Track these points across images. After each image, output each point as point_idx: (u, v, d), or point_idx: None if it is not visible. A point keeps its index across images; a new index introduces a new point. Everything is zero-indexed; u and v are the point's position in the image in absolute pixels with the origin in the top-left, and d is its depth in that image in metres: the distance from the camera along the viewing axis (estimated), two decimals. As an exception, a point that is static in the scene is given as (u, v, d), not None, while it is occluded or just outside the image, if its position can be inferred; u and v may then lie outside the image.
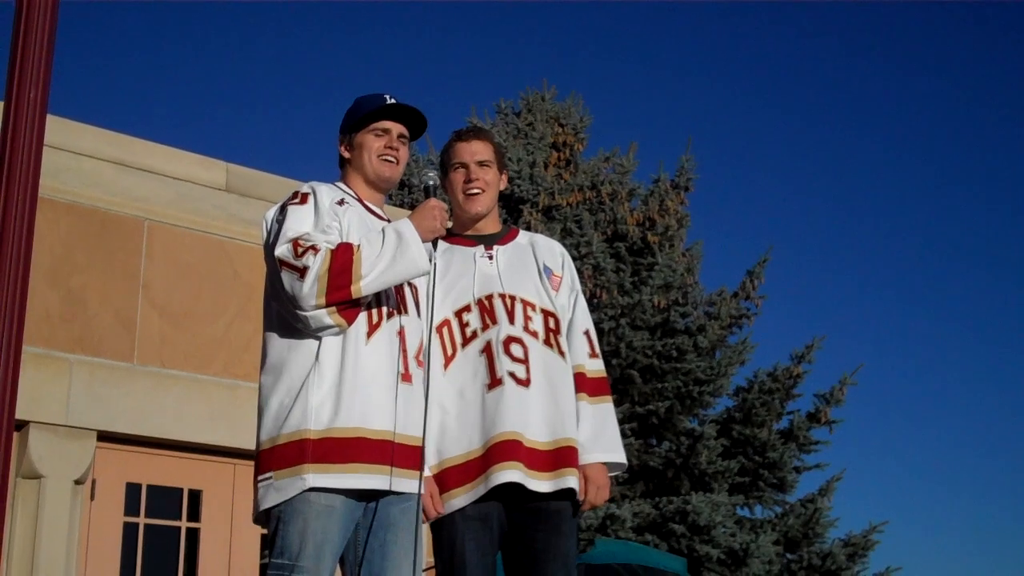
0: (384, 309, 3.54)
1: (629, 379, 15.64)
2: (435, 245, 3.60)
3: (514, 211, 17.00)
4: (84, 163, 7.49)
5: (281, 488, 3.38)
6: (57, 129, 7.03)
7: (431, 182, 3.76)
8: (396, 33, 32.04)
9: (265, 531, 7.68)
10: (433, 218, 3.56)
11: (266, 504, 3.42)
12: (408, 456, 3.51)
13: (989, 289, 29.17)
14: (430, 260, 3.57)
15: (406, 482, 3.50)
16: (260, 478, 3.45)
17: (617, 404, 15.27)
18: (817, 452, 16.47)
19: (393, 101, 3.75)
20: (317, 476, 3.35)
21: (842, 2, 27.68)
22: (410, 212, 3.62)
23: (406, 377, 3.54)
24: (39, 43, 3.20)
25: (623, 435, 16.04)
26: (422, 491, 3.57)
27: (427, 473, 3.69)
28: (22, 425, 6.81)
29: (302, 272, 3.36)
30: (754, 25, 29.87)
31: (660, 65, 30.36)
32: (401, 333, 3.57)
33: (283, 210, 3.57)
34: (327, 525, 3.37)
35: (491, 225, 4.09)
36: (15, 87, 3.17)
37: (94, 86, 32.20)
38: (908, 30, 29.64)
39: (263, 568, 7.87)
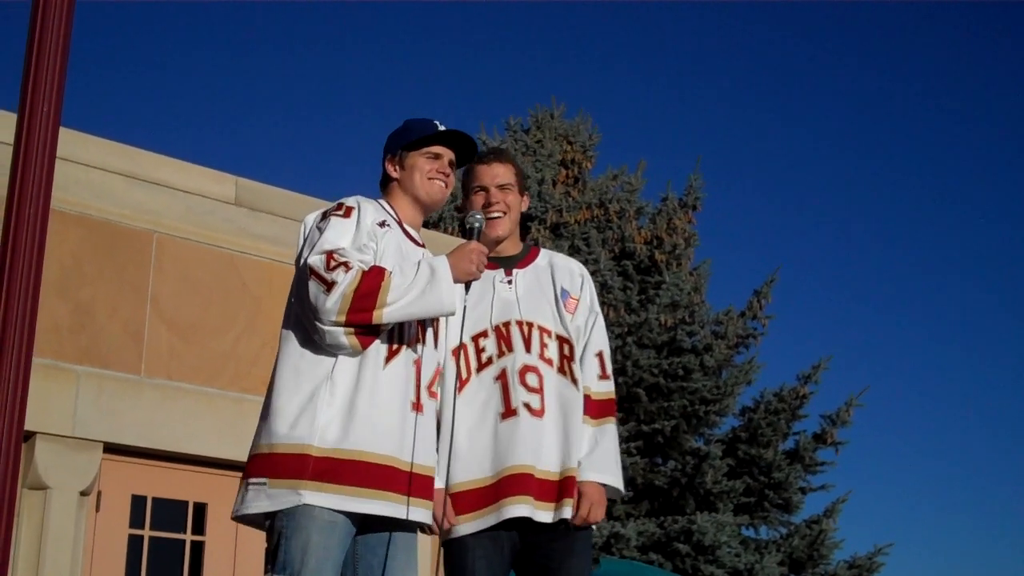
0: (405, 337, 3.56)
1: (635, 397, 15.64)
2: (467, 288, 3.62)
3: (522, 228, 16.98)
4: (94, 175, 7.51)
5: (273, 496, 3.38)
6: (67, 141, 7.05)
7: (477, 224, 3.79)
8: (406, 49, 32.14)
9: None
10: (471, 262, 3.59)
11: (252, 509, 3.42)
12: (424, 486, 3.54)
13: (997, 311, 29.13)
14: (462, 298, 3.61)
15: (423, 512, 3.53)
16: (252, 480, 3.44)
17: (623, 422, 15.31)
18: (823, 473, 16.48)
19: (443, 128, 3.79)
20: (314, 494, 3.35)
21: (852, 23, 27.72)
22: (450, 250, 3.63)
23: (417, 407, 3.55)
24: (52, 57, 3.22)
25: (628, 453, 16.02)
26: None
27: (438, 484, 3.70)
28: (29, 436, 6.81)
29: (329, 286, 3.37)
30: (764, 45, 29.92)
31: (669, 84, 30.41)
32: (417, 363, 3.58)
33: (325, 218, 3.58)
34: (329, 541, 3.37)
35: (511, 247, 4.12)
36: (28, 101, 3.19)
37: (104, 98, 32.33)
38: (922, 51, 29.68)
39: (267, 582, 7.86)
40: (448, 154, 3.82)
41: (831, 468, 16.43)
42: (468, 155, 3.91)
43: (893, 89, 30.06)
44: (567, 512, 3.78)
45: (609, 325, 15.61)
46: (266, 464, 3.42)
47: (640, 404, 15.70)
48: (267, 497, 3.39)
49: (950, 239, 29.76)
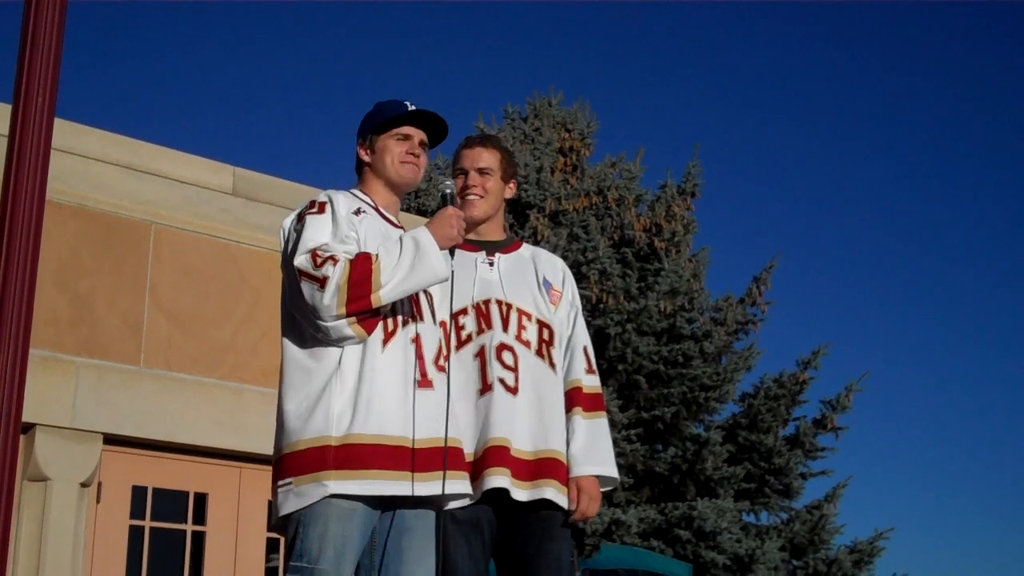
0: (399, 317, 3.56)
1: (635, 384, 15.66)
2: (452, 253, 3.61)
3: (521, 216, 17.02)
4: (91, 166, 7.51)
5: (301, 494, 3.39)
6: (64, 132, 7.06)
7: (448, 191, 3.78)
8: (404, 38, 32.10)
9: (273, 534, 7.69)
10: (451, 226, 3.58)
11: (286, 510, 3.42)
12: (431, 459, 3.52)
13: (995, 296, 29.14)
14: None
15: (429, 485, 3.50)
16: (280, 483, 3.45)
17: (623, 409, 15.32)
18: (823, 458, 16.52)
19: (414, 108, 3.77)
20: (338, 483, 3.36)
21: (852, 11, 27.67)
22: (427, 220, 3.64)
23: (424, 383, 3.55)
24: (47, 49, 3.21)
25: (628, 440, 16.02)
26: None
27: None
28: (28, 428, 6.82)
29: (322, 282, 3.38)
30: (763, 32, 29.89)
31: (667, 71, 30.39)
32: (416, 340, 3.58)
33: (300, 219, 3.59)
34: (348, 528, 3.39)
35: (494, 232, 4.12)
36: (23, 93, 3.18)
37: (101, 89, 32.31)
38: (923, 39, 29.63)
39: (269, 571, 7.88)
40: (419, 135, 3.80)
41: (831, 454, 16.49)
42: (440, 134, 3.89)
43: (890, 75, 30.04)
44: (547, 492, 3.78)
45: (608, 312, 15.63)
46: (289, 464, 3.44)
47: (640, 391, 15.72)
48: (295, 496, 3.40)
49: (949, 224, 29.78)
